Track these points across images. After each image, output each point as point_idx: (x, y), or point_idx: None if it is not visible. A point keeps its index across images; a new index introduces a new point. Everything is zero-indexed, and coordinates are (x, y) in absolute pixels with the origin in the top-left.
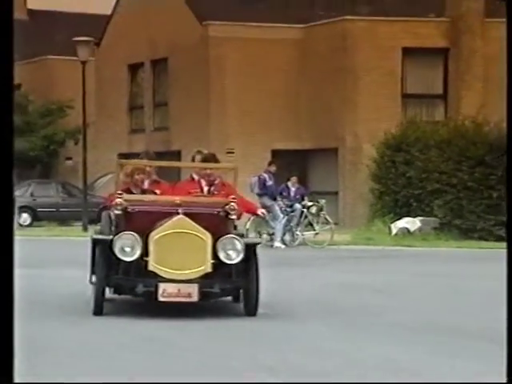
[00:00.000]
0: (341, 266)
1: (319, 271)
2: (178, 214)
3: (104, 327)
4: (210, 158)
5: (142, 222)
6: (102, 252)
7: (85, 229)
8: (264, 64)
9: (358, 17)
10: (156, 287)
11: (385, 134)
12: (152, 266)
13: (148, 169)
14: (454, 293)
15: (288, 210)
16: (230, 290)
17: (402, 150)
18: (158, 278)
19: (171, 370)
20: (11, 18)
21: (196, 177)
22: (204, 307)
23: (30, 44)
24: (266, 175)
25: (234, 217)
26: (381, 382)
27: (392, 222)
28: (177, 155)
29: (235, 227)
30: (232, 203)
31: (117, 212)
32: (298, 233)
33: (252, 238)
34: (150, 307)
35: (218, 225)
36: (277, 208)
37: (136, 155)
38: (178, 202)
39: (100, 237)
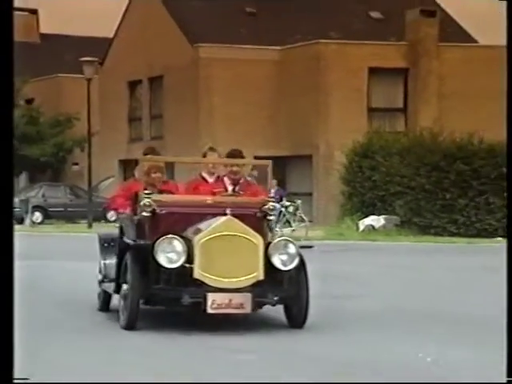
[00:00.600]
0: (314, 257)
1: None
2: (225, 214)
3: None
4: (237, 155)
5: (178, 225)
6: (136, 258)
7: (89, 226)
8: (248, 81)
9: (330, 40)
10: (205, 298)
11: (353, 143)
12: (198, 273)
13: (162, 165)
14: (414, 281)
15: None
16: (283, 299)
17: (368, 156)
18: (204, 287)
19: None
20: (11, 32)
21: (207, 176)
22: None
23: (42, 64)
24: (249, 179)
25: (272, 217)
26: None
27: (359, 220)
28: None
29: (271, 229)
30: (271, 203)
31: (145, 214)
32: (277, 229)
33: (301, 241)
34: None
35: (257, 227)
36: None
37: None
38: (210, 202)
39: (131, 241)
